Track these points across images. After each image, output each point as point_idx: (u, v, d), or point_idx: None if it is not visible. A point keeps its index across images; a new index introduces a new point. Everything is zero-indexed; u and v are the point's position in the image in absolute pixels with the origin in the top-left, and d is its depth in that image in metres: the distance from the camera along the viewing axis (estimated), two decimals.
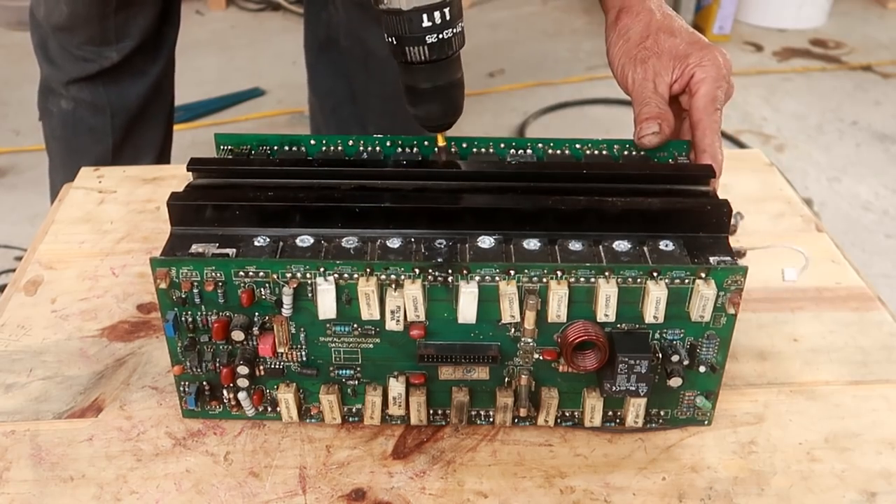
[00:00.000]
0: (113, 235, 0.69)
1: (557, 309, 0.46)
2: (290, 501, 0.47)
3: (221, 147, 0.56)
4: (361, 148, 0.55)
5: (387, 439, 0.51)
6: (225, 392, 0.51)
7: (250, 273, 0.46)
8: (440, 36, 0.50)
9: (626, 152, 0.56)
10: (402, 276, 0.45)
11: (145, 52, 1.06)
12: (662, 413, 0.51)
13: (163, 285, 0.46)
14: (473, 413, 0.51)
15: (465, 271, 0.45)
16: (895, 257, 1.57)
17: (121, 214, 0.72)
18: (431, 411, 0.51)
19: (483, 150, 0.56)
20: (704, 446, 0.51)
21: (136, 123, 1.11)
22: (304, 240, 0.47)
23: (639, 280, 0.46)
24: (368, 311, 0.46)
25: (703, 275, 0.46)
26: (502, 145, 0.56)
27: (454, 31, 0.50)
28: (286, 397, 0.50)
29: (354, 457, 0.50)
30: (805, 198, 0.77)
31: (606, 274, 0.45)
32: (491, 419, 0.51)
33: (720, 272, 0.46)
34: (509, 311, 0.46)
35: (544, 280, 0.45)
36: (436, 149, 0.55)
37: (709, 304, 0.46)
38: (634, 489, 0.48)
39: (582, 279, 0.46)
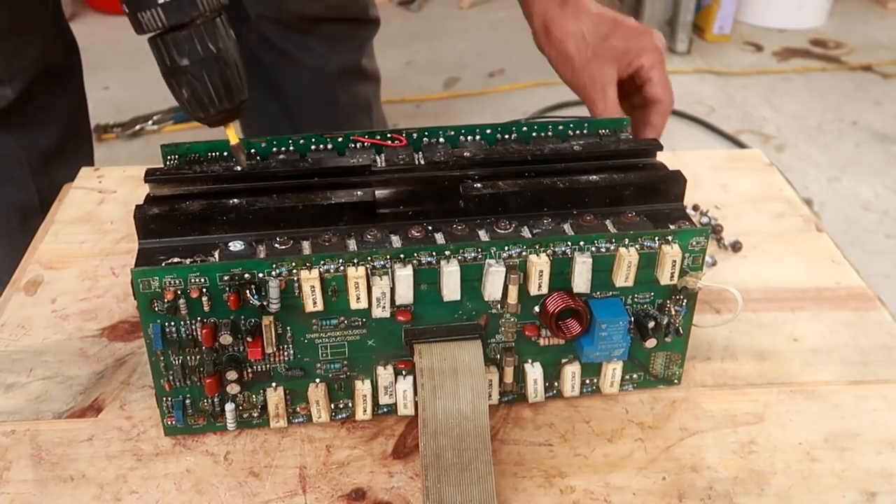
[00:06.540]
0: (113, 235, 0.69)
1: (539, 280, 0.47)
2: (290, 501, 0.47)
3: (168, 158, 0.52)
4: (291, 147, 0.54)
5: (387, 439, 0.51)
6: (208, 403, 0.50)
7: (235, 276, 0.45)
8: None
9: (570, 132, 0.57)
10: (389, 263, 0.46)
11: (48, 84, 0.89)
12: (635, 377, 0.53)
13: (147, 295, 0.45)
14: None
15: (447, 253, 0.46)
16: (895, 257, 1.58)
17: (121, 214, 0.72)
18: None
19: (434, 140, 0.56)
20: (704, 446, 0.51)
21: (57, 163, 0.91)
22: (282, 242, 0.47)
23: (611, 248, 0.48)
24: (357, 301, 0.46)
25: (668, 238, 0.48)
26: (451, 133, 0.56)
27: None
28: (274, 400, 0.49)
29: (354, 456, 0.50)
30: (805, 198, 0.77)
31: (581, 244, 0.47)
32: None
33: (684, 234, 0.48)
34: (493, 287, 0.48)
35: (523, 255, 0.47)
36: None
37: (676, 265, 0.48)
38: (634, 489, 0.48)
39: (559, 252, 0.48)
